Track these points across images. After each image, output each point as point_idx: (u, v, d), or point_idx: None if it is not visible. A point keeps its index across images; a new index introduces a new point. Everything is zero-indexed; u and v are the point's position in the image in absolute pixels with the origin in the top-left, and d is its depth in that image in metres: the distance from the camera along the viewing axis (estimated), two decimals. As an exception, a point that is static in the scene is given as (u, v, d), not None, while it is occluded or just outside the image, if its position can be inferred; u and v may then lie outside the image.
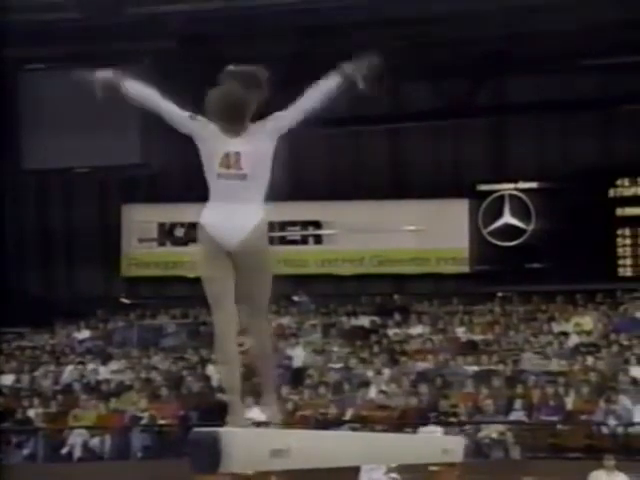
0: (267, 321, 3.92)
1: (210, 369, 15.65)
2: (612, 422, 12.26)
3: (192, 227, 21.08)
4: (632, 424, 12.30)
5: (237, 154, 3.62)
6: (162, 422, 14.07)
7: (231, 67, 3.83)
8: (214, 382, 15.17)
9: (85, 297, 20.05)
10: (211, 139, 3.71)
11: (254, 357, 3.95)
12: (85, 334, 18.46)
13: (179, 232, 21.14)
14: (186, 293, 20.35)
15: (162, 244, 21.17)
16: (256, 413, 13.52)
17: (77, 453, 13.82)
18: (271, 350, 3.95)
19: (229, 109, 3.67)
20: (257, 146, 3.67)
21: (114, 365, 16.47)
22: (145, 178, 19.96)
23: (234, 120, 3.68)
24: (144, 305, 19.80)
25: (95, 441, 13.92)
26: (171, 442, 13.13)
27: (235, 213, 3.69)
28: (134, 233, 20.93)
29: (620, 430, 12.24)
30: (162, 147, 16.83)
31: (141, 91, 3.85)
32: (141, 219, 20.91)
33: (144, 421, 14.09)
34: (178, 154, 20.75)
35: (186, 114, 3.79)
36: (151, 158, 17.27)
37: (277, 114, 3.76)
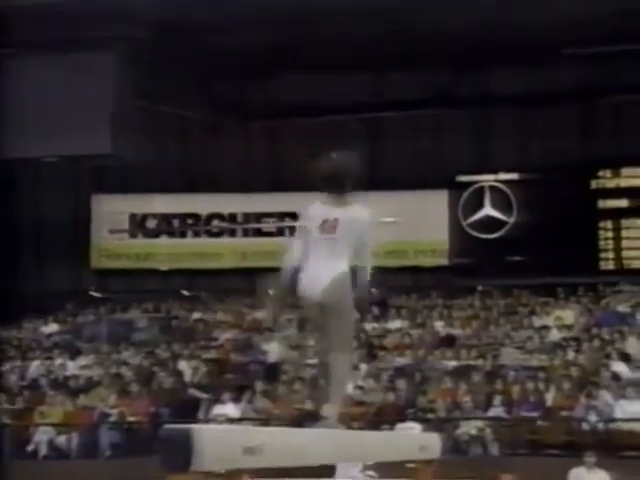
0: (348, 356, 4.56)
1: (182, 364, 15.62)
2: (593, 418, 12.36)
3: (165, 218, 21.07)
4: (613, 420, 12.41)
5: (335, 220, 4.40)
6: (132, 419, 14.01)
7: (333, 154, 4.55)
8: (186, 378, 15.15)
9: (53, 290, 19.94)
10: (317, 212, 4.49)
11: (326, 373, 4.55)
12: (53, 328, 18.37)
13: (151, 223, 21.08)
14: (158, 286, 20.33)
15: (133, 235, 21.10)
16: (230, 409, 13.57)
17: (43, 451, 13.74)
18: (345, 380, 4.69)
19: (337, 176, 4.46)
20: (351, 219, 4.44)
21: (83, 360, 16.39)
22: (116, 168, 19.86)
23: (338, 187, 4.47)
24: (114, 298, 19.73)
25: (62, 439, 13.84)
26: (141, 440, 13.08)
27: (324, 270, 4.41)
28: (104, 224, 20.83)
29: (601, 426, 12.34)
30: (133, 137, 16.75)
31: (297, 260, 4.54)
32: (112, 210, 20.81)
33: (113, 418, 14.03)
34: (150, 144, 20.73)
35: (304, 223, 4.53)
36: (122, 148, 17.17)
37: (365, 222, 4.49)
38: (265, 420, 12.86)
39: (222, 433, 3.41)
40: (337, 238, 4.40)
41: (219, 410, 13.50)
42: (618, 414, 12.41)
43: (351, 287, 4.48)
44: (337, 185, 4.48)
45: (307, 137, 20.71)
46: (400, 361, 14.89)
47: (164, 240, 21.02)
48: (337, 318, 4.42)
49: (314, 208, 4.52)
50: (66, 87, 15.70)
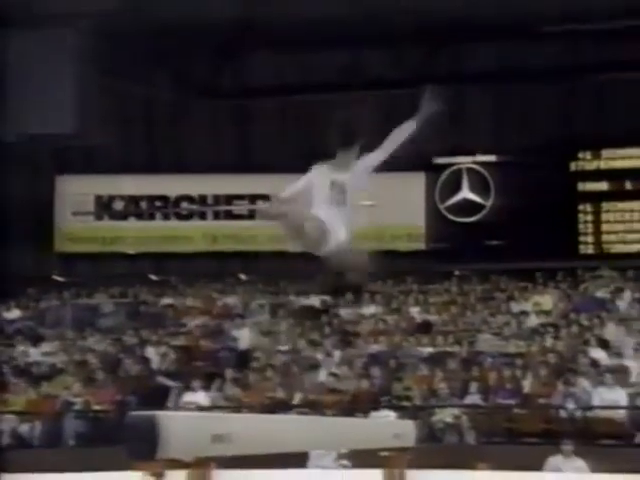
0: None
1: (150, 351, 15.58)
2: (571, 406, 12.46)
3: (132, 200, 20.96)
4: (591, 407, 12.51)
5: (343, 184, 4.78)
6: (97, 408, 13.97)
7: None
8: (154, 365, 15.11)
9: (15, 274, 19.77)
10: (323, 176, 4.83)
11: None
12: (15, 314, 18.23)
13: (118, 205, 20.96)
14: (125, 271, 20.24)
15: (99, 218, 20.97)
16: (200, 397, 13.57)
17: (5, 440, 13.68)
18: None
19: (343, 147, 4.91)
20: (357, 179, 4.87)
21: (46, 347, 16.30)
22: (80, 148, 19.69)
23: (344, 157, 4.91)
24: (79, 283, 19.62)
25: (25, 427, 13.78)
26: (107, 429, 13.05)
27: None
28: (69, 206, 20.69)
29: (579, 414, 12.45)
30: (98, 116, 16.61)
31: (295, 194, 4.87)
32: (76, 191, 20.67)
33: (78, 407, 13.98)
34: (116, 123, 20.56)
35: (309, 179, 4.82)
36: (86, 127, 17.02)
37: (367, 156, 4.97)
38: (236, 408, 12.86)
39: (190, 420, 3.41)
40: (346, 203, 4.79)
41: (188, 398, 13.49)
42: (596, 401, 12.52)
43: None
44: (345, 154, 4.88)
45: (278, 117, 20.69)
46: (375, 348, 14.94)
47: (131, 223, 20.92)
48: None
49: (321, 170, 4.88)
50: (28, 65, 15.53)
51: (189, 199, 20.86)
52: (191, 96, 20.07)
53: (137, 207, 20.93)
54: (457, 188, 19.82)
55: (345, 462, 11.60)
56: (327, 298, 17.99)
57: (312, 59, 19.57)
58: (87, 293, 19.06)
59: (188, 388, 13.77)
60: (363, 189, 4.93)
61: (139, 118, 20.84)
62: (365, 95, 19.88)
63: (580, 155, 19.23)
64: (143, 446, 3.11)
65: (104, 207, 20.91)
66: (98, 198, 20.87)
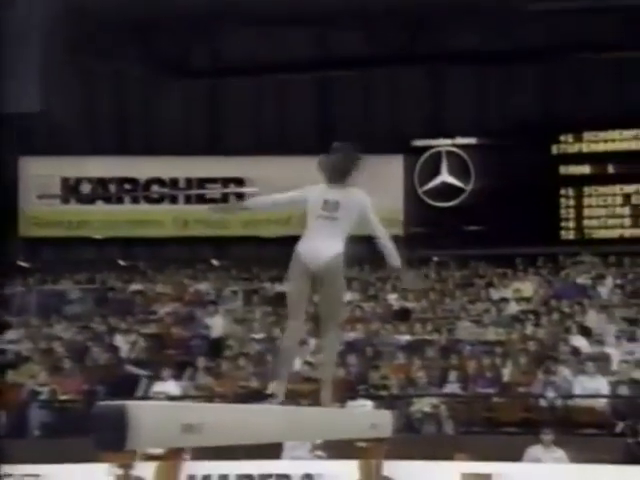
0: (336, 333, 5.47)
1: (118, 339, 15.54)
2: (551, 394, 12.56)
3: (100, 183, 20.83)
4: (571, 396, 12.61)
5: (336, 202, 5.22)
6: (64, 397, 13.92)
7: (337, 143, 5.47)
8: (123, 353, 15.07)
9: (-22, 260, 19.65)
10: (319, 193, 5.28)
11: (319, 362, 5.66)
12: (-22, 301, 18.13)
13: (85, 188, 20.83)
14: (93, 256, 20.14)
15: (66, 201, 20.84)
16: (170, 387, 13.54)
17: (-31, 431, 13.62)
18: (334, 357, 5.64)
19: (337, 174, 5.33)
20: (351, 202, 5.29)
21: (11, 334, 16.21)
22: (45, 128, 19.55)
23: (339, 181, 5.33)
24: (45, 269, 19.51)
25: (-11, 417, 13.72)
26: (74, 419, 13.00)
27: (325, 245, 5.22)
28: (34, 189, 20.54)
29: (559, 403, 12.54)
30: (65, 94, 16.48)
31: (261, 203, 5.55)
32: (41, 173, 20.50)
33: (44, 396, 13.92)
34: (83, 102, 20.43)
35: (302, 195, 5.31)
36: (52, 106, 16.87)
37: (368, 207, 5.40)
38: (208, 398, 12.86)
39: (159, 410, 3.40)
40: (338, 218, 5.22)
41: (159, 388, 13.47)
42: (577, 390, 12.61)
43: (343, 269, 5.38)
44: (341, 178, 5.32)
45: (251, 97, 20.61)
46: (351, 335, 14.97)
47: (99, 206, 20.79)
48: (332, 292, 5.28)
49: (314, 189, 5.30)
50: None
51: (159, 182, 20.76)
52: (162, 74, 19.95)
53: (105, 190, 20.81)
54: (436, 171, 19.87)
55: (320, 453, 11.64)
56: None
57: (287, 37, 19.50)
58: (53, 279, 18.95)
59: (158, 377, 13.74)
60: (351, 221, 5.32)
61: (108, 97, 20.68)
62: (342, 74, 19.88)
63: (562, 138, 19.32)
64: (111, 437, 3.09)
65: (71, 190, 20.78)
66: (64, 180, 20.73)
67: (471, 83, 19.85)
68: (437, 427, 12.70)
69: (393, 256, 5.56)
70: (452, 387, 13.23)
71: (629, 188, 19.00)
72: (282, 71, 19.52)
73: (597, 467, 10.75)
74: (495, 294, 16.49)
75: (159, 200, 20.88)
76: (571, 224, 19.29)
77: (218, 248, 20.61)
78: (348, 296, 17.05)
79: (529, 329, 14.48)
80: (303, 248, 5.22)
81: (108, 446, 3.11)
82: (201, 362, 14.24)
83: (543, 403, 12.64)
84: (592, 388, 12.53)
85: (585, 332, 14.05)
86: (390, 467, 6.12)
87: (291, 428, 4.52)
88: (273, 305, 16.91)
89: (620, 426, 12.06)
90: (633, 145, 19.00)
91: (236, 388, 13.54)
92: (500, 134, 19.37)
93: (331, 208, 5.22)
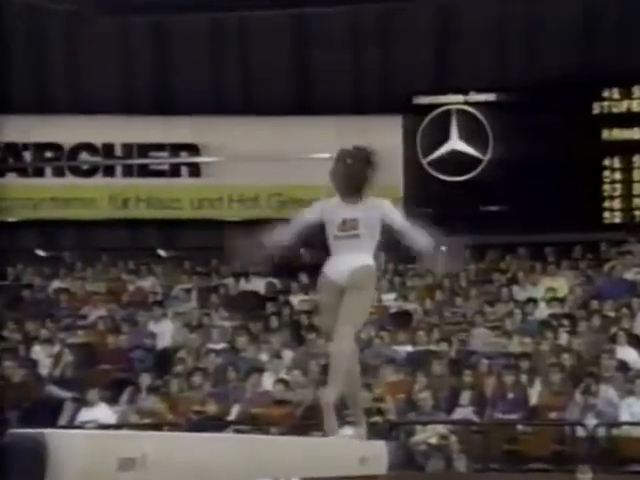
0: (349, 343, 6.19)
1: (37, 351, 15.53)
2: (591, 421, 12.64)
3: (11, 149, 20.74)
4: (617, 424, 12.71)
5: (354, 220, 5.96)
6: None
7: (346, 149, 6.18)
8: (43, 369, 15.07)
9: None
10: (334, 211, 6.01)
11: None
12: None
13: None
14: (3, 244, 20.09)
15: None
16: (103, 412, 13.54)
17: None
18: (342, 374, 6.37)
19: (353, 187, 6.03)
20: (370, 215, 5.99)
21: None
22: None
23: (353, 192, 6.02)
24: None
25: None
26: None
27: (349, 258, 5.95)
28: None
29: (601, 432, 12.63)
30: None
31: (285, 236, 6.14)
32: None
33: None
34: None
35: (317, 212, 6.05)
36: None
37: (388, 208, 6.10)
38: (153, 426, 12.89)
39: (90, 440, 3.40)
40: (360, 234, 5.95)
41: (88, 414, 13.49)
42: (624, 416, 12.71)
43: (375, 279, 6.09)
44: (357, 191, 6.02)
45: (209, 39, 20.56)
46: (336, 346, 15.01)
47: (12, 179, 20.74)
48: (353, 298, 5.90)
49: (331, 206, 6.02)
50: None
51: (90, 148, 20.72)
52: (92, 11, 19.88)
53: (19, 159, 20.75)
54: (444, 137, 19.92)
55: (296, 495, 11.68)
56: (275, 281, 18.03)
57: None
58: (-47, 274, 18.97)
59: (88, 400, 13.77)
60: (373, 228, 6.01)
61: (23, 38, 20.53)
62: (324, 11, 19.85)
63: (605, 94, 19.39)
64: (26, 472, 3.10)
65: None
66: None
67: (489, 23, 19.86)
68: (446, 463, 12.78)
69: (422, 241, 6.18)
70: (465, 412, 13.31)
71: (690, 158, 19.14)
72: (247, 7, 19.49)
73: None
74: (520, 294, 16.58)
75: (90, 172, 20.84)
76: (617, 204, 19.38)
77: (166, 234, 20.63)
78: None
79: (563, 338, 14.57)
80: (328, 268, 6.01)
81: (21, 486, 3.11)
82: (144, 380, 14.26)
83: (581, 432, 12.73)
84: (643, 413, 12.64)
85: (635, 342, 14.14)
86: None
87: (259, 463, 4.53)
88: (236, 307, 16.92)
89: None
90: (695, 103, 19.12)
91: (189, 413, 13.57)
92: (525, 89, 19.43)
93: (350, 227, 5.97)
